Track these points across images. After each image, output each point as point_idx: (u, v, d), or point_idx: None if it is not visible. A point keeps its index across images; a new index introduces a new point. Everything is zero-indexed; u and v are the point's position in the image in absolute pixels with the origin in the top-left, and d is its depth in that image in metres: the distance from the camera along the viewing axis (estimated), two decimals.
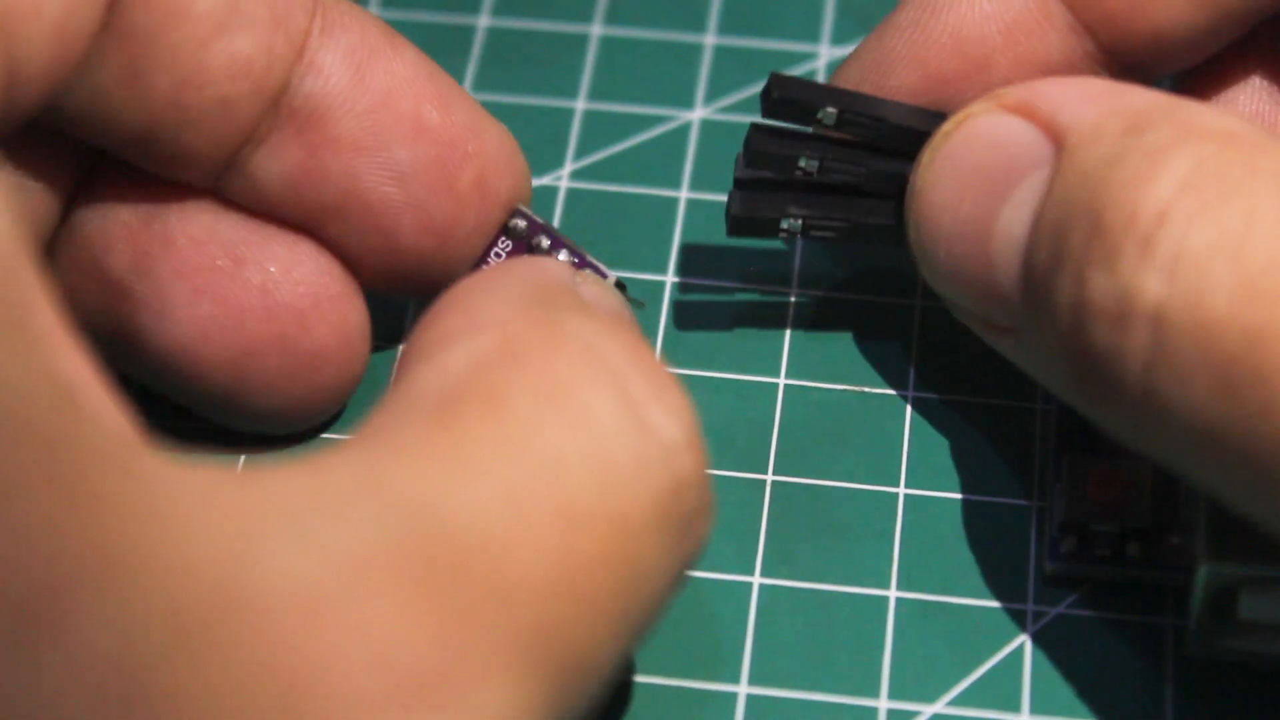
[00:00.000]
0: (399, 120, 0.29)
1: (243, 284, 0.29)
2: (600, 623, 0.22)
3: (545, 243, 0.31)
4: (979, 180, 0.28)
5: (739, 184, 0.31)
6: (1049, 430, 0.31)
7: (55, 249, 0.30)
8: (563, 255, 0.30)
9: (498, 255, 0.30)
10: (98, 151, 0.29)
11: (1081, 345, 0.26)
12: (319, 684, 0.19)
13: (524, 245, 0.31)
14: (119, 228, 0.29)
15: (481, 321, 0.24)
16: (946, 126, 0.29)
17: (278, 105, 0.29)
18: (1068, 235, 0.26)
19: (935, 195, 0.28)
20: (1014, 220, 0.27)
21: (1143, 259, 0.25)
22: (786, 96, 0.30)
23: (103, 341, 0.29)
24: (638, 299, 0.31)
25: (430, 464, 0.22)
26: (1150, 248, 0.25)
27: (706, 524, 0.25)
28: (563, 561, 0.22)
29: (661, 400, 0.24)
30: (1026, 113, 0.27)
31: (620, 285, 0.31)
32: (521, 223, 0.31)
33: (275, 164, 0.29)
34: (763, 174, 0.31)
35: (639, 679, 0.29)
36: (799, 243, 0.34)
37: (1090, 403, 0.26)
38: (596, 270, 0.30)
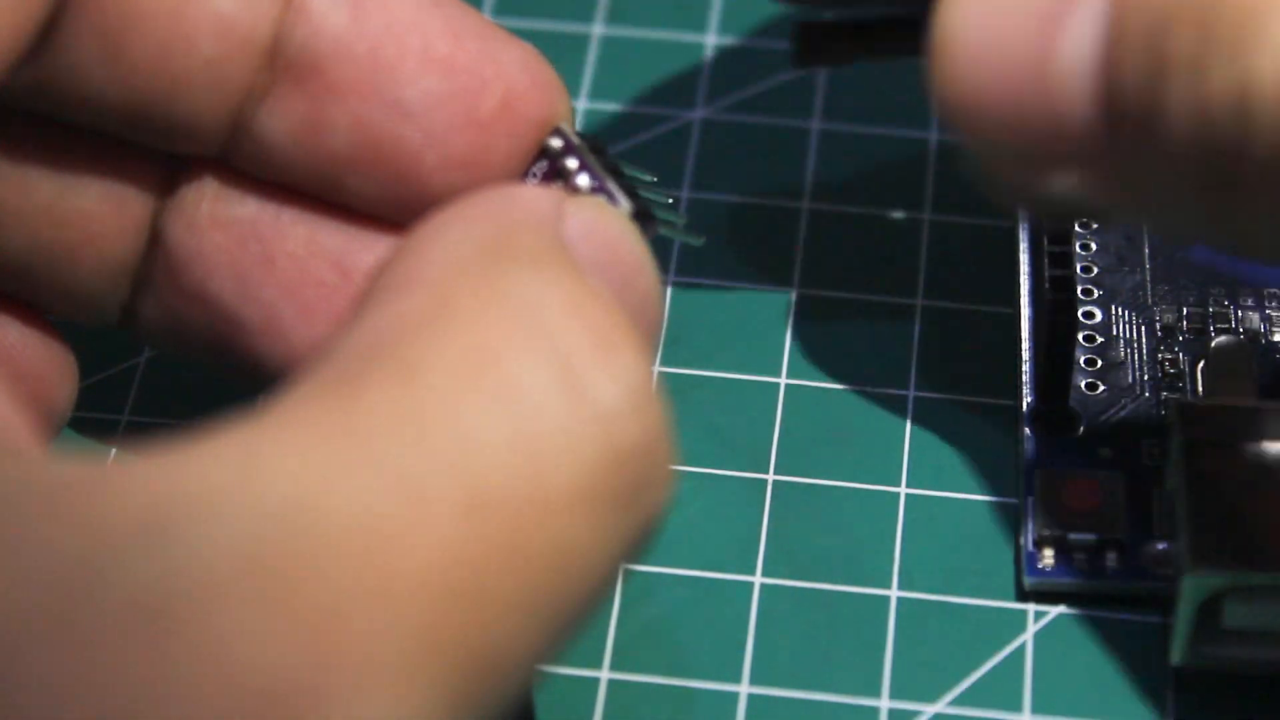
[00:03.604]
0: (404, 57, 0.27)
1: (353, 298, 0.27)
2: (512, 617, 0.21)
3: (573, 164, 0.28)
4: (1025, 11, 0.26)
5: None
6: (1019, 440, 0.31)
7: (152, 274, 0.29)
8: (583, 179, 0.28)
9: (533, 176, 0.28)
10: (177, 168, 0.28)
11: (1203, 148, 0.24)
12: (157, 708, 0.18)
13: (555, 166, 0.28)
14: (215, 251, 0.28)
15: (416, 275, 0.23)
16: None
17: (272, 60, 0.27)
18: (1169, 40, 0.24)
19: (972, 39, 0.26)
20: (1078, 45, 0.25)
21: (1255, 46, 0.23)
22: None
23: (216, 363, 0.29)
24: (673, 225, 0.28)
25: (321, 449, 0.20)
26: (1260, 34, 0.23)
27: (659, 494, 0.22)
28: (464, 553, 0.20)
29: (605, 363, 0.22)
30: None
31: (643, 215, 0.27)
32: (557, 142, 0.28)
33: (279, 122, 0.28)
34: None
35: (639, 679, 0.29)
36: (805, 223, 0.34)
37: (1208, 213, 0.25)
38: (610, 197, 0.28)
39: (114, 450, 0.32)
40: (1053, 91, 0.26)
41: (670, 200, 0.28)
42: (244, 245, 0.28)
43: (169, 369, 0.33)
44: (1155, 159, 0.25)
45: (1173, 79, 0.24)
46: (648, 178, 0.28)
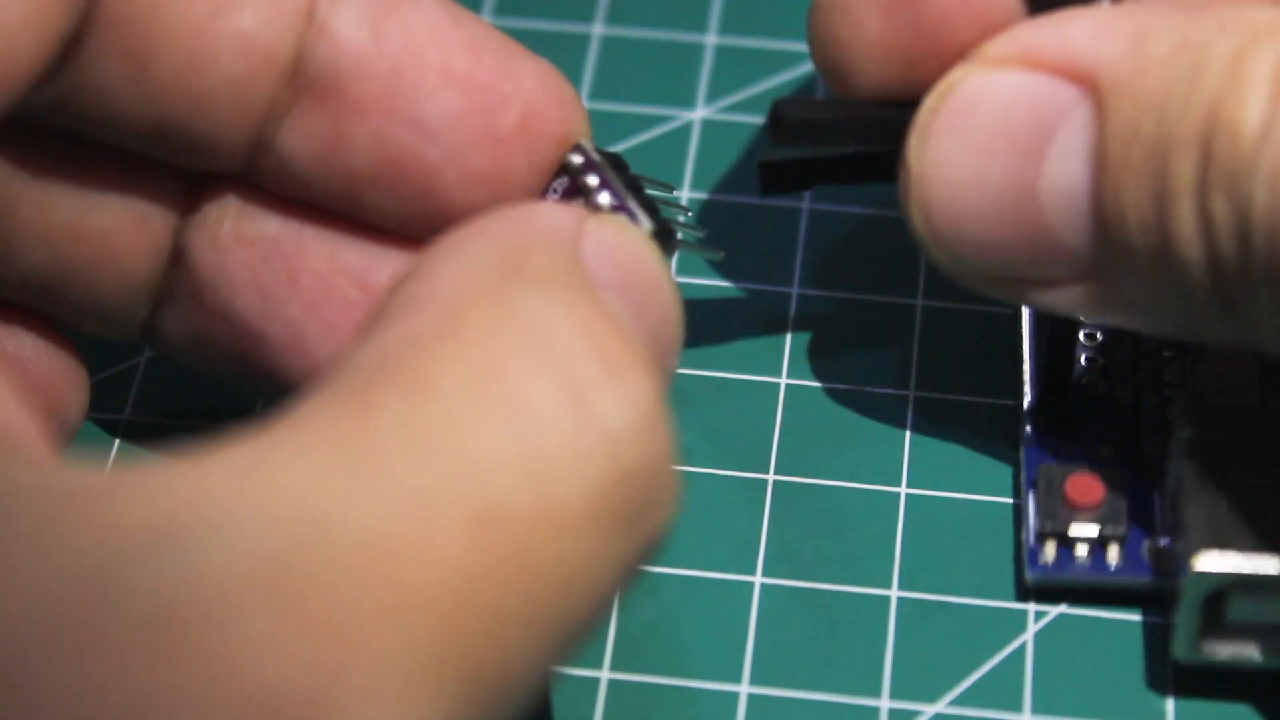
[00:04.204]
0: (424, 74, 0.28)
1: (367, 313, 0.27)
2: (518, 630, 0.21)
3: (593, 181, 0.28)
4: (1003, 144, 0.27)
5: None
6: (1020, 438, 0.31)
7: (174, 290, 0.29)
8: (604, 197, 0.28)
9: (554, 193, 0.28)
10: (200, 185, 0.29)
11: (1213, 268, 0.25)
12: (167, 716, 0.19)
13: (575, 183, 0.28)
14: (239, 268, 0.28)
15: (430, 292, 0.23)
16: (930, 103, 0.27)
17: (293, 77, 0.27)
18: (1171, 167, 0.25)
19: (949, 172, 0.27)
20: (1066, 171, 0.26)
21: (1252, 175, 0.24)
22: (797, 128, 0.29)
23: (238, 376, 0.29)
24: (693, 241, 0.29)
25: (332, 461, 0.21)
26: (1256, 162, 0.24)
27: (663, 514, 0.23)
28: (472, 568, 0.21)
29: (612, 385, 0.22)
30: (1031, 64, 0.27)
31: (664, 234, 0.28)
32: (577, 159, 0.28)
33: (300, 140, 0.28)
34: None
35: (639, 679, 0.29)
36: (805, 223, 0.34)
37: (1206, 320, 0.26)
38: (631, 216, 0.28)
39: (116, 441, 0.32)
40: (1043, 216, 0.26)
41: (690, 213, 0.28)
42: (267, 262, 0.28)
43: (169, 369, 0.33)
44: (1155, 275, 0.26)
45: (1177, 202, 0.25)
46: (668, 193, 0.29)
